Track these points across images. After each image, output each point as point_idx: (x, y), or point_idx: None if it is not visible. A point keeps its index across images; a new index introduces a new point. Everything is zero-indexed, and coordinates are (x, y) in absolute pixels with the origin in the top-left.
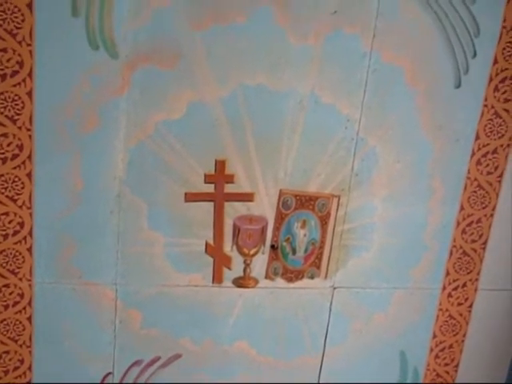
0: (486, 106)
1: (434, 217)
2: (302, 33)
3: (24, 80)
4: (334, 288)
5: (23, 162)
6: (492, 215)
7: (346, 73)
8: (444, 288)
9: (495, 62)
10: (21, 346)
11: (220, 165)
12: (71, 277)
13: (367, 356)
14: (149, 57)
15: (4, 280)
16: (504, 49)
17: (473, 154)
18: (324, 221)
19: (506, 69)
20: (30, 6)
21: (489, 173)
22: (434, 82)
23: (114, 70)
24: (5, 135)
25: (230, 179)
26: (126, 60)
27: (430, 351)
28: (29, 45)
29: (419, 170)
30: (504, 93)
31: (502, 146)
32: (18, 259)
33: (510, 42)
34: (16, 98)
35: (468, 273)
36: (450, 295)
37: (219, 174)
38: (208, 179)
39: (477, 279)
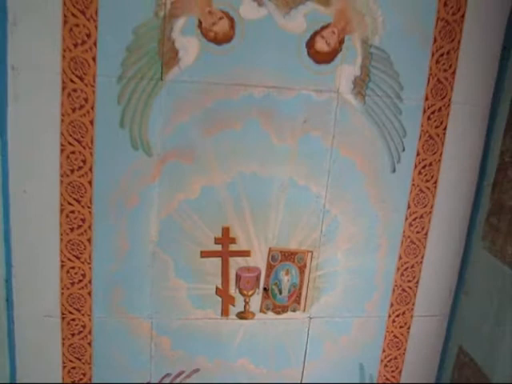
0: (413, 184)
1: (381, 265)
2: (282, 136)
3: (86, 173)
4: (310, 318)
5: (85, 231)
6: (422, 262)
7: (314, 163)
8: (389, 316)
9: (418, 153)
10: (84, 363)
11: (225, 231)
12: (119, 313)
13: (336, 367)
14: (174, 155)
15: (71, 315)
16: (423, 145)
17: (406, 218)
18: (302, 269)
19: (425, 159)
20: (92, 122)
21: (418, 232)
22: (377, 169)
23: (149, 165)
24: (72, 212)
25: (233, 241)
26: (158, 157)
27: (381, 362)
28: (90, 148)
29: (369, 232)
30: (425, 175)
31: (426, 212)
32: (81, 300)
33: (426, 141)
34: (80, 185)
35: (406, 304)
36: (393, 321)
37: (225, 238)
38: (217, 241)
39: (412, 309)
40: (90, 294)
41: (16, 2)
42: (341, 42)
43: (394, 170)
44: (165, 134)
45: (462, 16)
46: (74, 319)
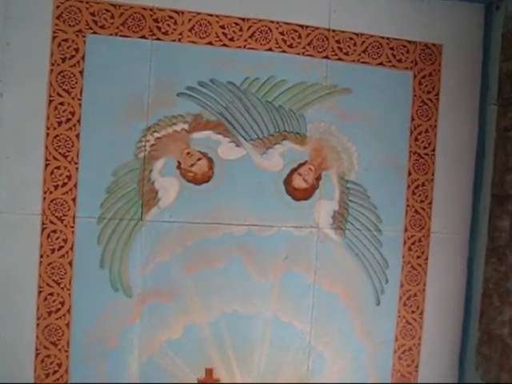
0: (399, 316)
1: None
2: (264, 273)
3: (64, 315)
4: None
5: (61, 375)
6: None
7: (298, 299)
8: None
9: (401, 285)
10: None
11: (209, 372)
12: None
13: None
14: (155, 295)
15: None
16: (406, 276)
17: (394, 351)
18: None
19: (409, 290)
20: (70, 263)
21: (408, 365)
22: (361, 302)
23: (129, 305)
24: (48, 356)
25: (217, 381)
26: (138, 298)
27: None
28: (68, 289)
29: (357, 366)
30: (410, 306)
31: (414, 344)
32: None
33: (409, 272)
34: (57, 327)
35: None
36: None
37: (208, 379)
38: (200, 382)
39: None
40: None
41: (0, 147)
42: (318, 178)
43: (378, 303)
44: (145, 274)
45: (433, 150)
46: None
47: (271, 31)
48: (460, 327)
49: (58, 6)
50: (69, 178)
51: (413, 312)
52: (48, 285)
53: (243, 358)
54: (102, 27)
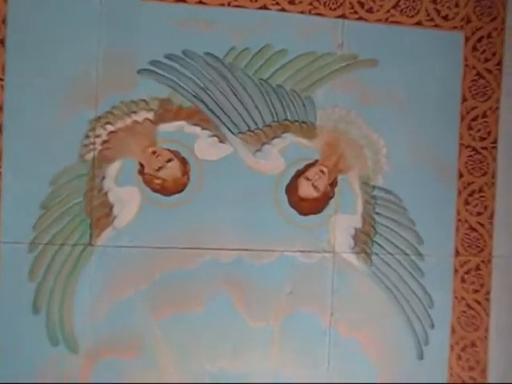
0: (451, 374)
1: None
2: (261, 315)
3: None
4: None
5: None
6: None
7: (307, 350)
8: None
9: (453, 331)
10: None
11: None
12: None
13: None
14: (109, 349)
15: None
16: (459, 318)
17: None
18: None
19: (465, 337)
20: None
21: None
22: (396, 354)
23: (74, 365)
24: None
25: None
26: (87, 354)
27: None
28: None
29: None
30: (467, 361)
31: None
32: None
33: (464, 312)
34: None
35: None
36: None
37: None
38: None
39: None
40: None
41: None
42: (333, 184)
43: (420, 356)
44: (96, 320)
45: (494, 142)
46: None
47: None
48: None
49: None
50: None
51: (471, 369)
52: None
53: None
54: None
